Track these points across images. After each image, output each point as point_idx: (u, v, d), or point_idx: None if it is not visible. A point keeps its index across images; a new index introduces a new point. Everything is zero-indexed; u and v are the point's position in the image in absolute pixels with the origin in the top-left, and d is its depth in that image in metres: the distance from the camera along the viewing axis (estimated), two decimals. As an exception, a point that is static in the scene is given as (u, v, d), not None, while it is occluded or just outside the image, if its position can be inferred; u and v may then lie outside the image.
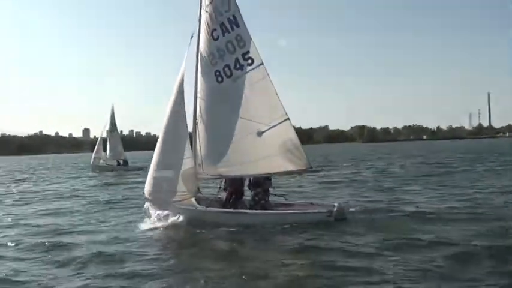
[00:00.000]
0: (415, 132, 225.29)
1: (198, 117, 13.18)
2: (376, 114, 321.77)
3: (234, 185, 13.14)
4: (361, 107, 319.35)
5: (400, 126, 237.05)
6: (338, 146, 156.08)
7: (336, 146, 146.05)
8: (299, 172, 13.16)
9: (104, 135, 43.95)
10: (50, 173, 44.35)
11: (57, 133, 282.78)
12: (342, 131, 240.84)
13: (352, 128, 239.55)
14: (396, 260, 8.52)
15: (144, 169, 43.25)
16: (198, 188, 13.16)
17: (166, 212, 12.54)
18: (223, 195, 13.29)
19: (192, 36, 13.25)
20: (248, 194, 13.24)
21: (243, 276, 7.88)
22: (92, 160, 43.51)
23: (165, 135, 13.06)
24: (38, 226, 13.43)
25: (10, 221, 14.60)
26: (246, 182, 13.32)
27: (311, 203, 13.21)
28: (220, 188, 13.38)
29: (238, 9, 13.04)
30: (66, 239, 11.36)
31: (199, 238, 11.14)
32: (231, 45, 12.99)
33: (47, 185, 30.53)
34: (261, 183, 13.00)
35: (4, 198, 21.80)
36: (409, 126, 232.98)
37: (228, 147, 12.83)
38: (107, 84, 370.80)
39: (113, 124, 43.18)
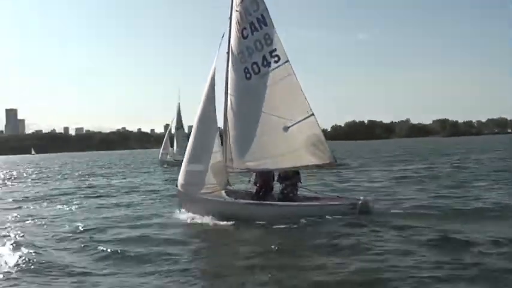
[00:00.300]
0: (499, 126, 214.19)
1: (228, 113, 13.80)
2: (458, 107, 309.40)
3: (264, 179, 13.63)
4: (443, 100, 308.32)
5: (484, 119, 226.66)
6: (419, 140, 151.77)
7: (416, 140, 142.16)
8: (323, 166, 13.48)
9: (173, 131, 46.07)
10: (126, 167, 47.04)
11: (139, 129, 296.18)
12: (424, 125, 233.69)
13: (434, 121, 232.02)
14: (398, 255, 8.66)
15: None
16: (228, 181, 13.72)
17: (197, 204, 13.23)
18: (254, 189, 13.79)
19: (224, 35, 13.86)
20: (278, 188, 13.68)
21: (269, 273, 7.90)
22: (159, 156, 45.63)
23: (197, 130, 13.83)
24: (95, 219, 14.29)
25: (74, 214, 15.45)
26: (276, 176, 13.75)
27: (338, 197, 13.53)
28: (249, 181, 13.92)
29: (266, 8, 13.56)
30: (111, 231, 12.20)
31: (226, 230, 11.71)
32: (259, 43, 13.52)
33: (122, 178, 32.44)
34: (290, 177, 13.43)
35: (77, 191, 23.55)
36: (493, 119, 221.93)
37: (256, 142, 13.39)
38: (182, 81, 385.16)
39: (179, 121, 45.20)
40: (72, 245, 10.67)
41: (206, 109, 13.65)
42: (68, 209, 16.74)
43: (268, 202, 12.97)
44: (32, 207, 17.56)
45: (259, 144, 13.36)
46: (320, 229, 11.11)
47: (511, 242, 9.09)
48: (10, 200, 20.75)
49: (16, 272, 8.48)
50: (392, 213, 12.55)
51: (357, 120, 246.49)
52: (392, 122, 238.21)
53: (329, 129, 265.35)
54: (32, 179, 36.36)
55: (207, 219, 12.50)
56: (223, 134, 13.85)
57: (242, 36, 13.69)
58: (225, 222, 12.10)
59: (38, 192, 24.02)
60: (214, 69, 13.82)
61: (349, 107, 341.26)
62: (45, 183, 31.05)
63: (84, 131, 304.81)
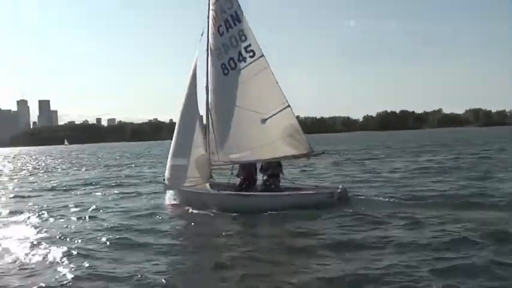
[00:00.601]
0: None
1: (209, 108, 14.49)
2: (491, 97, 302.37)
3: (246, 171, 14.27)
4: (476, 90, 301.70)
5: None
6: (451, 130, 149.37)
7: (448, 131, 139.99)
8: (300, 156, 14.03)
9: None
10: (154, 157, 48.16)
11: (171, 120, 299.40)
12: (457, 115, 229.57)
13: (466, 111, 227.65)
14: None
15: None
16: (211, 175, 14.48)
17: (181, 196, 14.14)
18: (237, 181, 14.45)
19: (203, 32, 14.54)
20: (261, 181, 14.27)
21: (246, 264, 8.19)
22: None
23: (179, 125, 14.63)
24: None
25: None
26: (259, 168, 14.39)
27: (316, 186, 14.16)
28: (232, 174, 14.61)
29: (239, 6, 14.17)
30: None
31: (207, 221, 12.32)
32: (234, 39, 14.15)
33: (148, 168, 33.60)
34: (272, 168, 14.06)
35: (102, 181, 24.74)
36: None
37: (235, 135, 14.06)
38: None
39: None
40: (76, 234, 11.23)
41: (188, 105, 14.39)
42: (88, 198, 17.74)
43: (247, 193, 13.56)
44: (50, 197, 18.63)
45: (239, 137, 13.99)
46: (295, 219, 11.48)
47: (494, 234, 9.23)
48: (37, 189, 22.16)
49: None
50: (371, 202, 13.01)
51: (389, 111, 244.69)
52: (424, 112, 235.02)
53: (361, 119, 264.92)
54: (62, 169, 38.14)
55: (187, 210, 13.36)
56: (206, 129, 14.51)
57: (218, 33, 14.29)
58: (205, 212, 12.83)
59: (62, 181, 25.32)
60: (195, 65, 14.51)
61: (381, 97, 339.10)
62: (67, 173, 31.86)
63: (116, 122, 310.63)
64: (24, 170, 40.29)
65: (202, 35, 14.47)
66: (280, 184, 14.09)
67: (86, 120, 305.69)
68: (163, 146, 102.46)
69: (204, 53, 14.54)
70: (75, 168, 37.85)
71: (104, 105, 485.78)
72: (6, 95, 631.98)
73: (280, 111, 13.78)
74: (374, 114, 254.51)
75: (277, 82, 13.87)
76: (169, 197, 14.85)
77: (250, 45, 14.08)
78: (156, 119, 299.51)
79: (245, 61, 14.08)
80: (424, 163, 26.73)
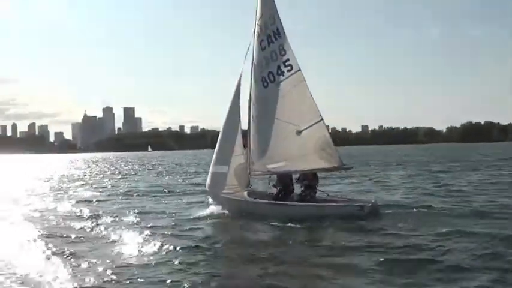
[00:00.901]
0: None
1: (250, 119, 15.38)
2: None
3: (283, 182, 14.93)
4: None
5: None
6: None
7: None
8: (331, 169, 14.68)
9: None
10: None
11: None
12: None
13: None
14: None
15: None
16: (249, 183, 15.30)
17: (221, 202, 15.09)
18: (274, 191, 15.10)
19: (249, 46, 15.42)
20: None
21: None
22: None
23: (222, 135, 15.61)
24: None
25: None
26: (295, 179, 15.03)
27: (349, 199, 14.71)
28: (269, 183, 15.35)
29: (281, 22, 14.98)
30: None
31: (243, 229, 13.01)
32: (275, 54, 14.96)
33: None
34: (309, 179, 14.64)
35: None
36: None
37: (272, 146, 14.84)
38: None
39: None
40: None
41: (231, 116, 15.33)
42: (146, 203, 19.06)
43: (279, 202, 14.28)
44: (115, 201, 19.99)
45: (276, 148, 14.77)
46: (326, 229, 12.17)
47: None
48: (108, 193, 23.78)
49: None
50: (401, 217, 13.11)
51: (473, 122, 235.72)
52: (510, 123, 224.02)
53: (444, 131, 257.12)
54: (138, 175, 40.63)
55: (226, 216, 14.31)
56: (247, 139, 15.37)
57: (261, 47, 15.22)
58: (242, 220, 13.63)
59: (136, 187, 27.12)
60: (240, 77, 15.45)
61: (466, 107, 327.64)
62: (142, 179, 33.49)
63: (199, 130, 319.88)
64: (100, 174, 43.02)
65: (248, 49, 15.33)
66: (317, 195, 14.63)
67: (170, 127, 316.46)
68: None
69: (249, 66, 15.43)
70: (152, 175, 39.82)
71: (188, 113, 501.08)
72: (92, 101, 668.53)
73: (314, 123, 14.46)
74: (458, 125, 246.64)
75: (311, 96, 14.55)
76: (210, 204, 15.76)
77: (288, 59, 14.84)
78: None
79: (283, 75, 14.84)
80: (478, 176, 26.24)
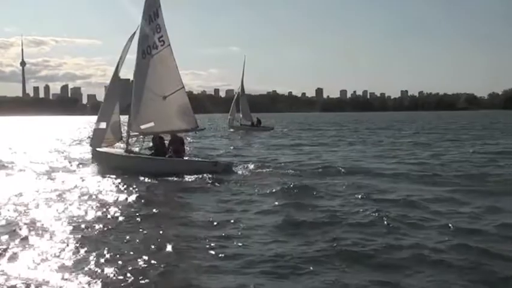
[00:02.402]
0: None
1: (133, 86, 19.37)
2: None
3: (155, 145, 18.48)
4: None
5: None
6: None
7: None
8: (190, 130, 18.61)
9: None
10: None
11: (290, 92, 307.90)
12: None
13: None
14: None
15: (274, 129, 50.68)
16: (122, 137, 19.08)
17: (100, 157, 19.25)
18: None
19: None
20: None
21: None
22: (227, 120, 52.63)
23: (105, 97, 19.83)
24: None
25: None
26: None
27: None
28: (143, 144, 19.45)
29: (160, 5, 18.70)
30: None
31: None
32: (153, 31, 18.79)
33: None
34: (176, 145, 18.18)
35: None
36: None
37: (144, 109, 18.68)
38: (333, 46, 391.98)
39: (242, 88, 51.98)
40: None
41: (112, 81, 19.55)
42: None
43: (143, 156, 18.20)
44: None
45: (146, 111, 18.61)
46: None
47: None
48: None
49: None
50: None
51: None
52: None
53: (486, 97, 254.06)
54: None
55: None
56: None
57: (145, 25, 19.04)
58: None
59: None
60: (127, 49, 19.46)
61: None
62: None
63: (234, 93, 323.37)
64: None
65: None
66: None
67: (204, 90, 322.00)
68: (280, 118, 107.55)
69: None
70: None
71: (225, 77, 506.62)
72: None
73: (177, 90, 18.30)
74: (500, 92, 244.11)
75: (176, 67, 18.40)
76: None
77: (162, 36, 18.63)
78: (275, 91, 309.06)
79: (157, 48, 18.64)
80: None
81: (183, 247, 8.25)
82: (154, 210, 11.19)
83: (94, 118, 20.87)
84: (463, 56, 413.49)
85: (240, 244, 8.42)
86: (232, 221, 10.09)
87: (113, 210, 11.17)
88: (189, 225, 9.96)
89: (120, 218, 10.41)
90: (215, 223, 9.86)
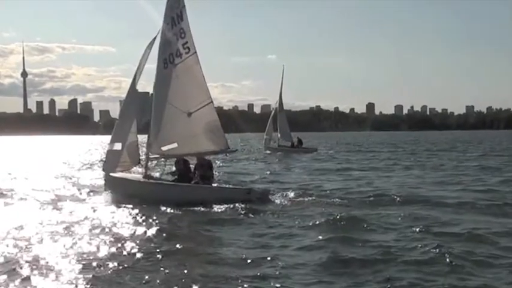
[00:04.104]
0: None
1: (153, 100, 19.69)
2: None
3: (179, 169, 18.67)
4: None
5: None
6: None
7: None
8: (219, 152, 18.81)
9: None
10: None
11: (336, 108, 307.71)
12: None
13: None
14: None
15: (317, 150, 50.73)
16: (140, 161, 19.24)
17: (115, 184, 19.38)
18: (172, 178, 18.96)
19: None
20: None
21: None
22: (263, 141, 53.34)
23: (120, 113, 20.14)
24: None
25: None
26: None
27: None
28: (165, 169, 19.73)
29: (184, 6, 19.02)
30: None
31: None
32: (176, 36, 19.10)
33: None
34: (204, 169, 18.28)
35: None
36: None
37: (166, 127, 18.84)
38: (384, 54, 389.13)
39: (280, 103, 52.44)
40: None
41: (129, 94, 19.84)
42: None
43: (172, 183, 18.24)
44: None
45: (169, 129, 18.76)
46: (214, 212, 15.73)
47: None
48: None
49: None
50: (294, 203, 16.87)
51: None
52: None
53: None
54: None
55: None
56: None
57: (166, 29, 19.40)
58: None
59: None
60: (146, 58, 19.83)
61: None
62: None
63: (271, 109, 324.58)
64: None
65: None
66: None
67: (236, 106, 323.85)
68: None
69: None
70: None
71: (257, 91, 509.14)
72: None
73: (204, 106, 18.50)
74: None
75: (204, 78, 18.64)
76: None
77: (187, 42, 18.91)
78: (318, 106, 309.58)
79: (181, 57, 18.89)
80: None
81: (211, 290, 8.31)
82: (177, 245, 11.37)
83: (107, 138, 21.10)
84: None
85: (278, 286, 8.47)
86: (268, 258, 10.16)
87: (129, 245, 11.36)
88: (218, 263, 10.04)
89: (138, 255, 10.55)
90: (249, 261, 9.94)
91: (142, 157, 19.40)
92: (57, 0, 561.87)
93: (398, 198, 17.18)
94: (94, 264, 9.80)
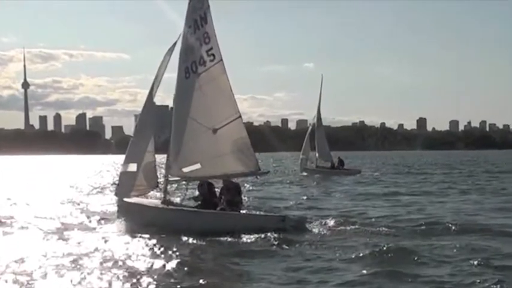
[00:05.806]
0: None
1: (173, 114, 19.72)
2: None
3: (202, 193, 18.56)
4: None
5: None
6: None
7: None
8: (249, 174, 18.88)
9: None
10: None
11: (382, 124, 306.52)
12: None
13: None
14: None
15: (361, 172, 50.58)
16: (158, 184, 19.44)
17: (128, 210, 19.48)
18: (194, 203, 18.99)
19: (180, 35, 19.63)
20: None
21: None
22: (299, 161, 53.00)
23: (135, 131, 20.34)
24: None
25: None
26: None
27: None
28: (186, 193, 19.73)
29: (209, 7, 19.09)
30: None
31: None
32: (199, 42, 19.22)
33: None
34: (231, 194, 18.29)
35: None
36: None
37: (188, 145, 18.90)
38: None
39: (319, 118, 52.88)
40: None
41: (145, 108, 20.03)
42: None
43: (197, 210, 18.17)
44: None
45: (191, 148, 18.83)
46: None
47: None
48: None
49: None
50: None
51: None
52: None
53: None
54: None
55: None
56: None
57: (188, 33, 19.52)
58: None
59: None
60: (166, 66, 20.02)
61: None
62: None
63: (308, 124, 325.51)
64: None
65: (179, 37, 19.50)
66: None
67: (268, 121, 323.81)
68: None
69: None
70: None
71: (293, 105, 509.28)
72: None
73: (232, 121, 18.51)
74: None
75: (231, 89, 18.70)
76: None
77: (212, 48, 18.96)
78: (362, 121, 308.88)
79: (205, 65, 18.93)
80: None
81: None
82: (201, 281, 11.44)
83: (121, 158, 21.23)
84: None
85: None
86: (305, 295, 10.12)
87: (145, 281, 11.47)
88: (247, 301, 10.08)
89: (156, 292, 10.57)
90: (283, 299, 9.95)
91: (161, 180, 19.56)
92: (63, 0, 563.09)
93: (453, 227, 17.07)
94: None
